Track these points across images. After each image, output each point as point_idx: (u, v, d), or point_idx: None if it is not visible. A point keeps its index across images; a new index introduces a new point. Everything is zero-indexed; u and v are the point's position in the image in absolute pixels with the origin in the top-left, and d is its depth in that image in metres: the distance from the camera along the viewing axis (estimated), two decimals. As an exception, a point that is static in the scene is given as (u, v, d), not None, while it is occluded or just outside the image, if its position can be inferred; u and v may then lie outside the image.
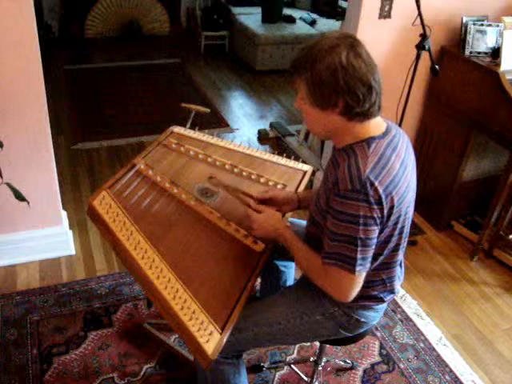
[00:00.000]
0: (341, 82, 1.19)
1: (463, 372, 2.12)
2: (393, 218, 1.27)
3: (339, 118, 1.26)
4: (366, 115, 1.25)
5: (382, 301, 1.46)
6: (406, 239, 1.42)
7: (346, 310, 1.44)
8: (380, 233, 1.27)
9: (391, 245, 1.35)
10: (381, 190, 1.20)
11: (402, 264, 1.56)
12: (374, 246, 1.26)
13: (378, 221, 1.22)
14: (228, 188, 1.76)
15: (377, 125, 1.30)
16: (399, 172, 1.27)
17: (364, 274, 1.29)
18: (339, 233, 1.23)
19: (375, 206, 1.20)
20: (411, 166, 1.36)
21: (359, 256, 1.23)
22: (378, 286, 1.42)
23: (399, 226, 1.32)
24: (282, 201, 1.67)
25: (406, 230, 1.38)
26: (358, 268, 1.24)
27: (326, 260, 1.28)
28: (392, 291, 1.47)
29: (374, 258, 1.33)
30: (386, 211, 1.23)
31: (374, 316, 1.50)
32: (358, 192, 1.19)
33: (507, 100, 2.39)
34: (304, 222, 1.67)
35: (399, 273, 1.50)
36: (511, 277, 2.68)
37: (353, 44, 1.21)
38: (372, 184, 1.20)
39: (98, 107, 4.24)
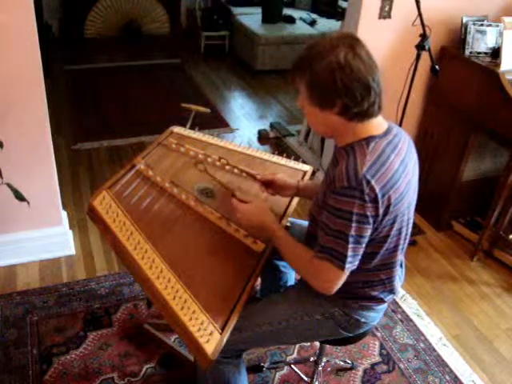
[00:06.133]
0: (338, 83, 1.19)
1: (463, 372, 2.12)
2: (389, 217, 1.27)
3: (338, 118, 1.26)
4: (365, 115, 1.25)
5: (382, 301, 1.46)
6: (407, 240, 1.42)
7: (345, 310, 1.44)
8: (374, 231, 1.27)
9: (389, 245, 1.34)
10: (377, 189, 1.21)
11: (403, 264, 1.57)
12: (364, 244, 1.27)
13: (372, 219, 1.23)
14: (219, 180, 1.75)
15: (378, 124, 1.30)
16: (398, 171, 1.27)
17: (350, 271, 1.30)
18: (333, 228, 1.24)
19: (369, 204, 1.20)
20: (412, 165, 1.36)
21: (350, 253, 1.24)
22: (377, 286, 1.42)
23: (397, 226, 1.31)
24: (282, 185, 1.69)
25: (406, 230, 1.38)
26: (347, 265, 1.26)
27: (319, 254, 1.29)
28: (392, 291, 1.47)
29: (371, 257, 1.34)
30: (381, 210, 1.23)
31: (374, 316, 1.50)
32: (353, 189, 1.20)
33: (507, 100, 2.39)
34: (304, 222, 1.67)
35: (400, 273, 1.50)
36: (511, 277, 2.68)
37: (352, 44, 1.21)
38: (368, 182, 1.20)
39: (98, 107, 4.24)
